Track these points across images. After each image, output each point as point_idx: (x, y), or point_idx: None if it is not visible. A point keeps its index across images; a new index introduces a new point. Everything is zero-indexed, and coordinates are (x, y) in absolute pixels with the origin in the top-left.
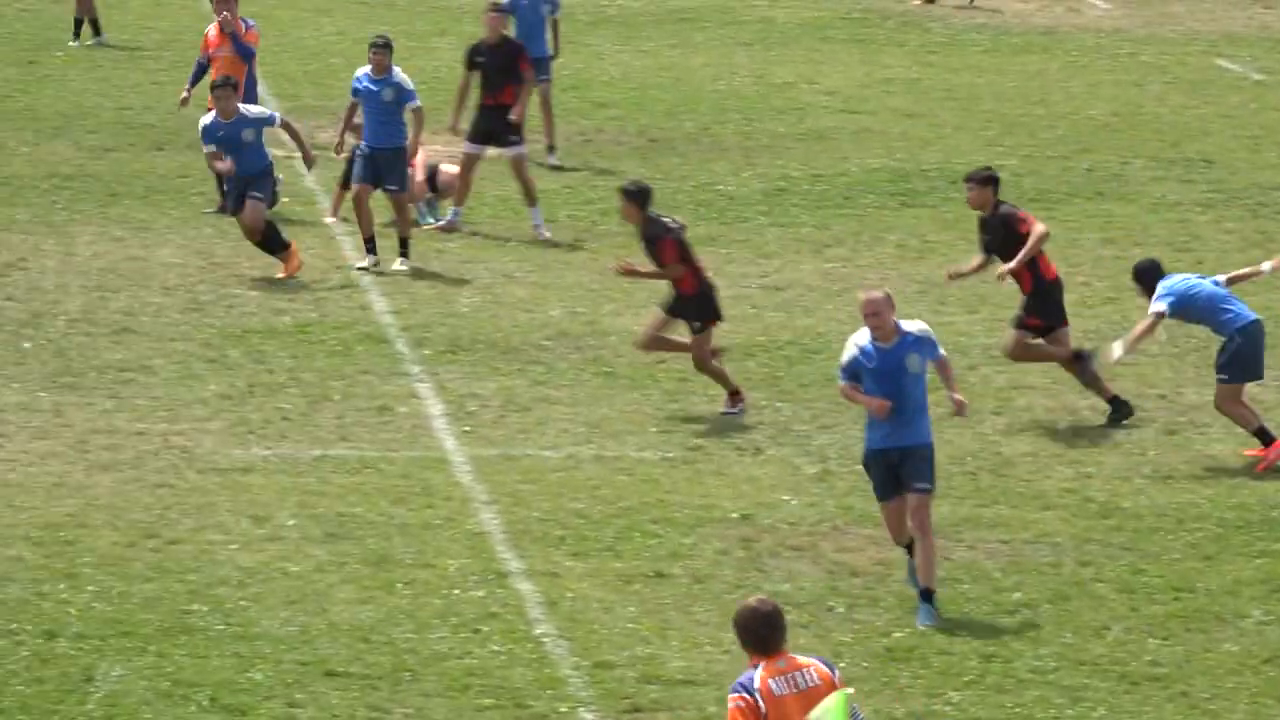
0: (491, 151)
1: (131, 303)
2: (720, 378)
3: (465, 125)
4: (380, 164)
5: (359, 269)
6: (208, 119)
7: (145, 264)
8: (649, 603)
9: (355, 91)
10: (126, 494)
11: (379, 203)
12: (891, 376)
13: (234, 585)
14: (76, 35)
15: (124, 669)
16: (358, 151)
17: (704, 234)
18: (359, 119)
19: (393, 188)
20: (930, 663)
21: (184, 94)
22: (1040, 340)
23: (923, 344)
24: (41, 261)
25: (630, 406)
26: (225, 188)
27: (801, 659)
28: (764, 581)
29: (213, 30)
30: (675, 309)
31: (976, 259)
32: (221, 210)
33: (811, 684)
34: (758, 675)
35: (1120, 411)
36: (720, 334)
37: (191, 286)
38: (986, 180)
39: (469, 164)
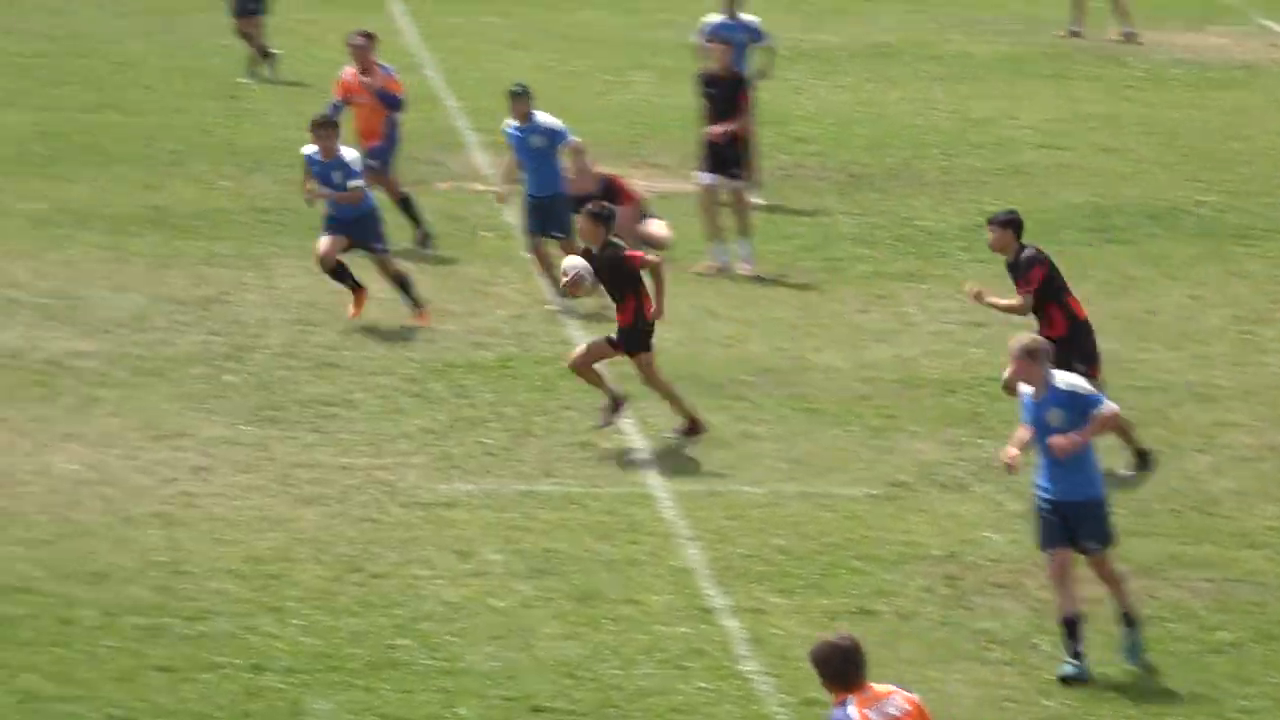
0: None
1: (333, 336)
2: (673, 399)
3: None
4: (542, 211)
5: (550, 309)
6: (309, 150)
7: (346, 297)
8: None
9: (508, 140)
10: (331, 528)
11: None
12: (1040, 430)
13: (440, 620)
14: (253, 73)
15: (331, 703)
16: (525, 200)
17: (903, 269)
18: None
19: (558, 235)
20: (1138, 702)
21: None
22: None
23: (1069, 399)
24: (243, 295)
25: (833, 443)
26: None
27: (880, 688)
28: (969, 619)
29: (349, 74)
30: (614, 340)
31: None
32: (423, 243)
33: (902, 711)
34: (853, 710)
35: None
36: (922, 369)
37: (393, 320)
38: (1007, 223)
39: (709, 197)
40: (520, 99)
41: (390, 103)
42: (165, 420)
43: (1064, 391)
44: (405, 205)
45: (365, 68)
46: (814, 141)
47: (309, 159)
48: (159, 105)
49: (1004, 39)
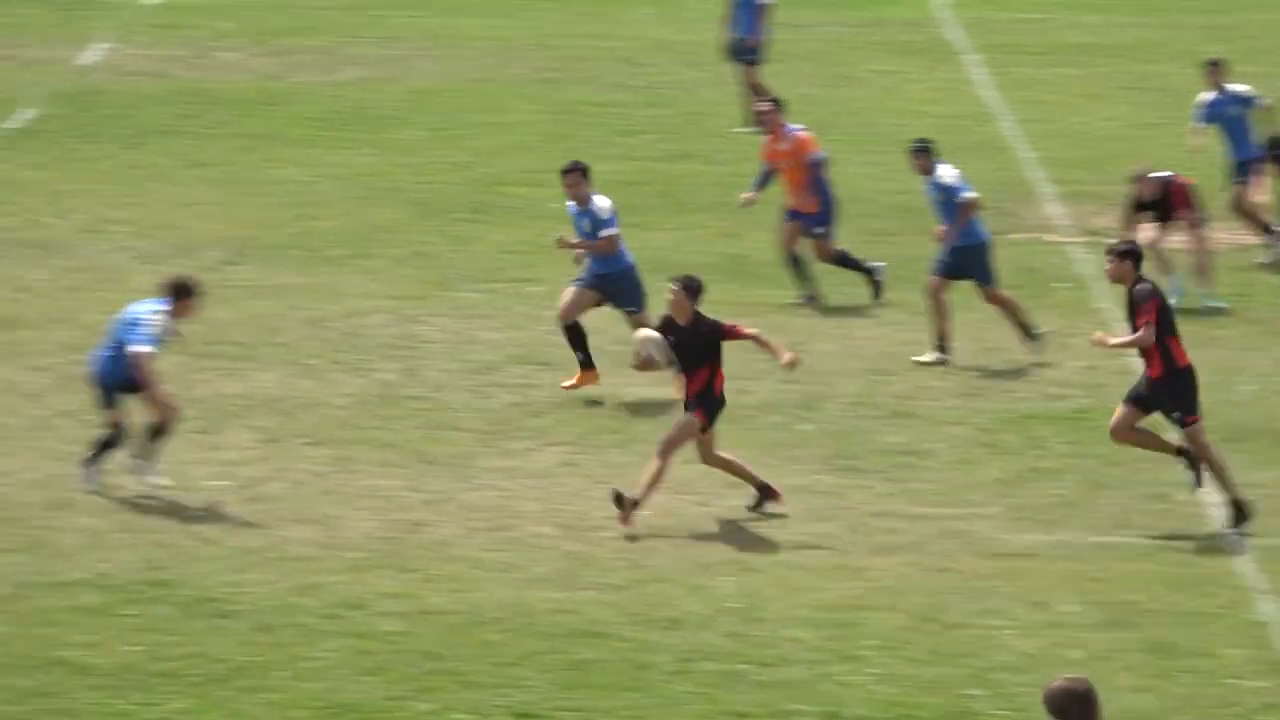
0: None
1: (908, 387)
2: (742, 473)
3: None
4: (961, 259)
5: (918, 362)
6: (570, 201)
7: (920, 349)
8: None
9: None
10: (906, 577)
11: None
12: None
13: (1014, 671)
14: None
15: None
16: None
17: None
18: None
19: (983, 281)
20: None
21: (748, 195)
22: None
23: None
24: (817, 344)
25: None
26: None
27: None
28: None
29: (765, 141)
30: (690, 405)
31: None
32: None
33: None
34: None
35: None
36: None
37: (967, 370)
38: (1125, 254)
39: None
40: (921, 155)
41: (811, 163)
42: None
43: None
44: (843, 262)
45: (774, 133)
46: None
47: (570, 209)
48: (733, 154)
49: None
